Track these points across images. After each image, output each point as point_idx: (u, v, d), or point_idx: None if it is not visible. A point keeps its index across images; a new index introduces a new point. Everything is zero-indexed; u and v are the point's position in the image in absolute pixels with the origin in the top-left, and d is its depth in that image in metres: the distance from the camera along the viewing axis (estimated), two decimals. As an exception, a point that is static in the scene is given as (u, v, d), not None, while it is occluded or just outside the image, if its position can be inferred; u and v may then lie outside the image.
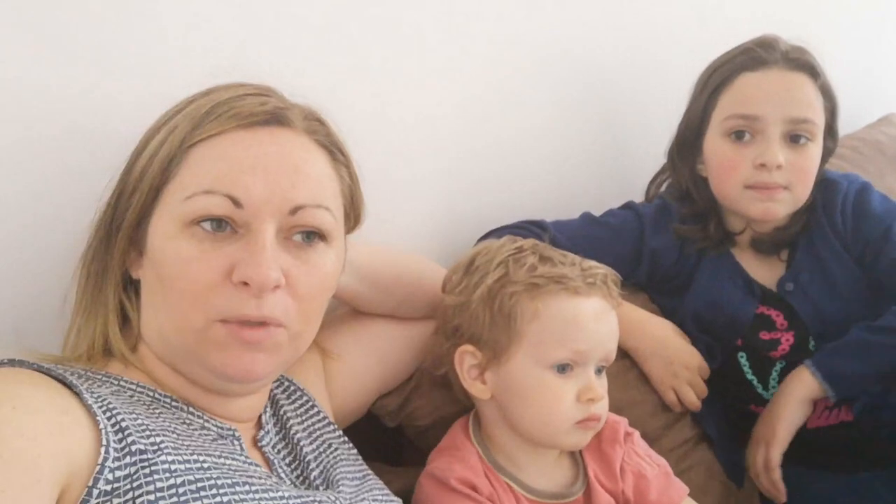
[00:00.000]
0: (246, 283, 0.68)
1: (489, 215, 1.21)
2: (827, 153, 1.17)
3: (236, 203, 0.69)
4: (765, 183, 1.10)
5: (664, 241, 1.19)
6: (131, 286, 0.76)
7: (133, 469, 0.61)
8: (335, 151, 0.78)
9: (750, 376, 1.15)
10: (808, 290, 1.14)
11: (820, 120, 1.12)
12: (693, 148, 1.19)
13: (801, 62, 1.12)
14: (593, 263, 0.92)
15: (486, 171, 1.25)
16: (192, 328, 0.69)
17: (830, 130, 1.16)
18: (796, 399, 1.08)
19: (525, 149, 1.29)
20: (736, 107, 1.12)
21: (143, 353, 0.74)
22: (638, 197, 1.29)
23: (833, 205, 1.15)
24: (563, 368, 0.87)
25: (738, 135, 1.12)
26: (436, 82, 1.16)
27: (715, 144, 1.15)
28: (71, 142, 0.86)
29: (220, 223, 0.69)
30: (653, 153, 1.27)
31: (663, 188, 1.27)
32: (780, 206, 1.12)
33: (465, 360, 0.90)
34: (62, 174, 0.86)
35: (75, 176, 0.86)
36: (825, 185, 1.16)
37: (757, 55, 1.13)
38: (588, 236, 1.17)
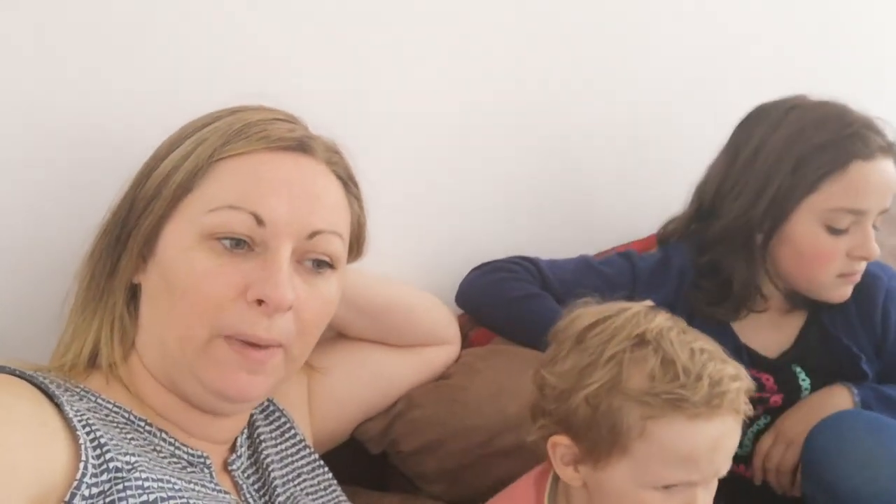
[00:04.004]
0: (261, 302, 0.69)
1: (482, 247, 1.21)
2: None
3: (259, 221, 0.70)
4: (856, 272, 1.09)
5: (655, 299, 1.15)
6: (131, 291, 0.76)
7: (107, 486, 0.61)
8: (349, 184, 0.80)
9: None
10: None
11: None
12: (763, 221, 1.10)
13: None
14: (727, 373, 0.77)
15: (480, 203, 1.26)
16: (194, 341, 0.69)
17: None
18: (832, 407, 1.06)
19: (521, 183, 1.31)
20: (849, 200, 1.05)
21: (133, 364, 0.74)
22: (629, 237, 1.29)
23: (872, 300, 1.14)
24: (668, 486, 0.77)
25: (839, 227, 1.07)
26: (432, 112, 1.18)
27: (810, 230, 1.08)
28: (75, 144, 0.87)
29: (238, 242, 0.70)
30: (649, 196, 1.27)
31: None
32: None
33: (559, 449, 0.81)
34: (59, 182, 0.86)
35: (70, 185, 0.86)
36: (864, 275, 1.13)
37: (870, 141, 1.06)
38: (580, 283, 1.12)
